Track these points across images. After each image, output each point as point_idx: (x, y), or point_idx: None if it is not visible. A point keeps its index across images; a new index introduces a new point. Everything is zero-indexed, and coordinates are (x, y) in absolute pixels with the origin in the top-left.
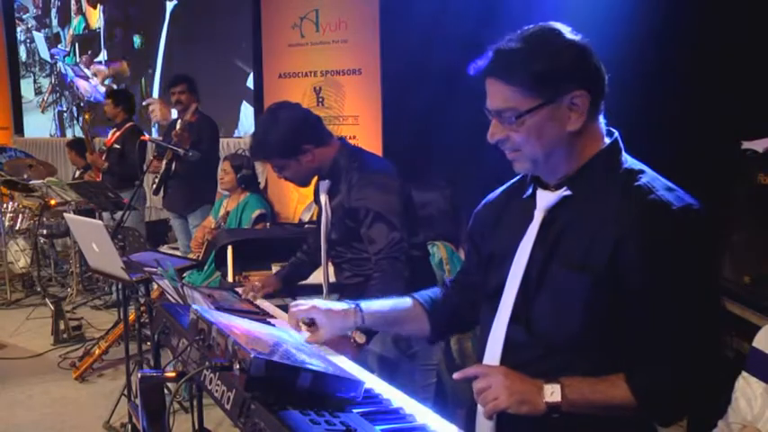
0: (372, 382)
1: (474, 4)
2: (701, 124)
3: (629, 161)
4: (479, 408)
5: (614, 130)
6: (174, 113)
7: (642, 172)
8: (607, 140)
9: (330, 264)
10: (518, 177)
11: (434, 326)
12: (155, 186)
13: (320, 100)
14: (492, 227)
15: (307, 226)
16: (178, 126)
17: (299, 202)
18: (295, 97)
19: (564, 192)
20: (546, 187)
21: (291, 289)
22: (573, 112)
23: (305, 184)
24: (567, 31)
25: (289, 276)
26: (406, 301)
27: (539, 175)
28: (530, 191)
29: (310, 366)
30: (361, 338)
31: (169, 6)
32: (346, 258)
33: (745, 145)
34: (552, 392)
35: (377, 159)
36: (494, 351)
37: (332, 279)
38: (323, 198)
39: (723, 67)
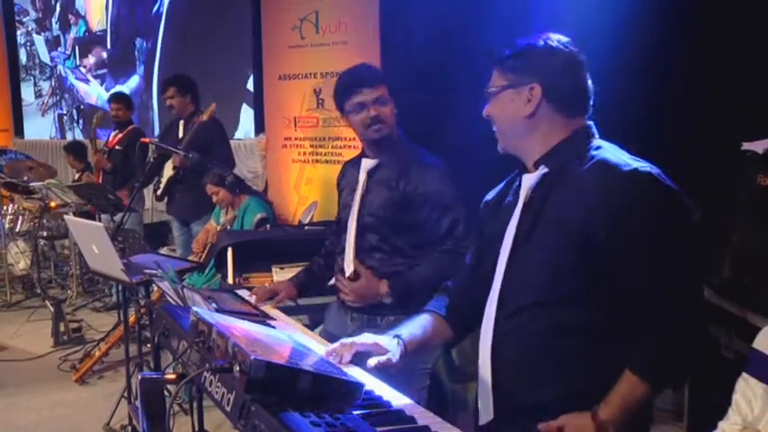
0: (373, 383)
1: (474, 5)
2: (700, 125)
3: (598, 143)
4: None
5: (590, 122)
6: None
7: (602, 147)
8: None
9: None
10: (512, 174)
11: (456, 331)
12: (159, 192)
13: (320, 101)
14: (491, 219)
15: (307, 228)
16: (181, 131)
17: (299, 203)
18: (295, 99)
19: (542, 170)
20: (528, 172)
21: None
22: (529, 100)
23: (381, 132)
24: (557, 41)
25: (304, 282)
26: (427, 318)
27: (517, 156)
28: (518, 182)
29: (310, 368)
30: None
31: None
32: (374, 247)
33: (746, 146)
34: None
35: (435, 157)
36: (489, 312)
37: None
38: (362, 177)
39: (723, 67)
